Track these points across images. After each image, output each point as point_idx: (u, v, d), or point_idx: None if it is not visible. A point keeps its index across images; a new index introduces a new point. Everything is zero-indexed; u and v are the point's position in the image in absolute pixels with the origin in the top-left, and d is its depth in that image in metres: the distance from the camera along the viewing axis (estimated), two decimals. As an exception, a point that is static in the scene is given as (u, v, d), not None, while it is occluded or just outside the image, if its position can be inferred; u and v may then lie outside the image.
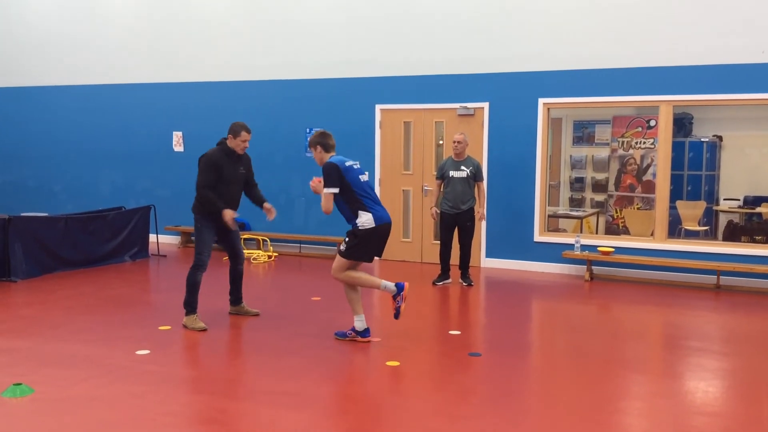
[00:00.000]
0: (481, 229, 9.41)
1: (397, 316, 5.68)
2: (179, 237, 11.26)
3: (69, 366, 5.04)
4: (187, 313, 6.18)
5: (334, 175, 5.51)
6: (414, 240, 9.94)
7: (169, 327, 6.17)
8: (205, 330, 6.05)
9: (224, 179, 6.11)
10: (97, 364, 5.10)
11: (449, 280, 8.41)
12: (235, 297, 6.64)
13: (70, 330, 6.05)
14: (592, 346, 5.84)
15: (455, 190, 8.13)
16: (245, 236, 10.41)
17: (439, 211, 8.34)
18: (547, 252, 9.23)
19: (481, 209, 8.29)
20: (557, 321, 7.03)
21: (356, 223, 5.54)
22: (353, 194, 5.53)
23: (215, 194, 6.05)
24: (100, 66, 11.83)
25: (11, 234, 8.10)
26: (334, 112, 10.28)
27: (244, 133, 6.17)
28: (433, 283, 8.34)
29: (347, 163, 5.64)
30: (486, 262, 9.55)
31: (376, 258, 5.92)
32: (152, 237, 10.09)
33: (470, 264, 8.43)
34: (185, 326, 6.14)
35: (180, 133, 11.38)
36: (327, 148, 5.76)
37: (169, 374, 4.90)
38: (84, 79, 12.00)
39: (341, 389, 4.65)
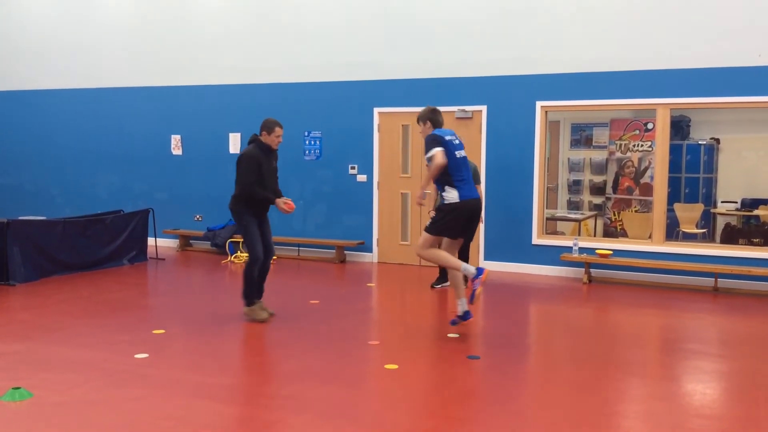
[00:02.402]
0: (479, 231, 9.42)
1: (471, 299, 5.71)
2: (177, 240, 11.25)
3: (67, 370, 5.04)
4: (248, 305, 6.53)
5: (434, 140, 5.73)
6: (412, 243, 9.94)
7: (163, 331, 6.17)
8: (265, 320, 6.46)
9: (263, 174, 6.39)
10: (96, 368, 5.09)
11: (447, 283, 8.41)
12: (258, 291, 6.74)
13: (68, 334, 6.05)
14: (590, 349, 5.84)
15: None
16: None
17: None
18: (545, 255, 9.24)
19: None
20: (555, 324, 7.04)
21: (443, 198, 5.77)
22: (445, 172, 5.69)
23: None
24: (98, 70, 11.83)
25: (9, 238, 8.09)
26: (332, 116, 10.29)
27: (277, 129, 6.44)
28: (432, 286, 8.34)
29: (447, 137, 5.81)
30: (484, 265, 9.54)
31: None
32: (150, 240, 10.09)
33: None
34: (246, 315, 6.52)
35: (178, 137, 11.38)
36: (435, 124, 6.02)
37: (168, 378, 4.90)
38: (82, 82, 12.00)
39: (340, 392, 4.65)
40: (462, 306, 6.08)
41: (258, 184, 6.35)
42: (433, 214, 8.24)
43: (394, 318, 7.06)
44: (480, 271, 5.67)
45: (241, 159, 6.39)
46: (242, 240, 10.13)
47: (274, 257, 8.91)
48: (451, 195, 5.71)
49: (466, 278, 6.07)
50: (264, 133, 6.44)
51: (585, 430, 4.09)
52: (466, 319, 6.11)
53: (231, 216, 6.69)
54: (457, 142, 5.87)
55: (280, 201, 6.35)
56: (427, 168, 5.83)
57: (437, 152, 5.64)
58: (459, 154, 5.80)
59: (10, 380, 4.75)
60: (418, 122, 6.21)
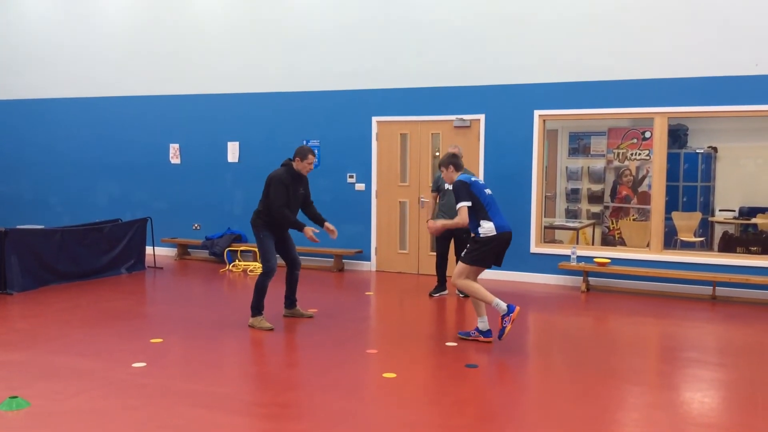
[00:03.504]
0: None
1: (501, 336, 5.88)
2: (176, 249, 11.25)
3: (65, 379, 5.03)
4: (254, 315, 6.63)
5: (464, 190, 6.02)
6: (411, 252, 9.95)
7: (161, 339, 6.16)
8: (271, 329, 6.49)
9: (288, 198, 6.58)
10: (93, 377, 5.08)
11: (446, 292, 8.41)
12: (290, 301, 7.08)
13: (66, 343, 6.04)
14: (588, 358, 5.84)
15: (451, 202, 8.08)
16: (242, 248, 10.42)
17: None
18: (544, 263, 9.24)
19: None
20: (553, 332, 7.03)
21: (479, 232, 6.00)
22: (480, 206, 6.00)
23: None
24: (97, 78, 11.85)
25: (7, 247, 8.09)
26: (330, 125, 10.31)
27: (310, 156, 6.62)
28: (430, 295, 8.34)
29: (473, 179, 6.19)
30: (482, 274, 9.50)
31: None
32: (149, 249, 10.08)
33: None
34: (252, 326, 6.58)
35: (177, 146, 11.39)
36: (458, 168, 6.32)
37: (165, 387, 4.89)
38: (81, 91, 12.02)
39: (337, 401, 4.64)
40: (484, 324, 6.19)
41: (287, 207, 6.54)
42: (431, 222, 8.29)
43: (393, 326, 7.05)
44: (511, 309, 5.85)
45: (272, 181, 6.56)
46: (239, 250, 10.17)
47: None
48: (488, 227, 5.96)
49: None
50: (297, 159, 6.62)
51: (583, 439, 4.08)
52: (486, 336, 6.18)
53: (252, 230, 6.80)
54: (482, 182, 6.22)
55: (308, 230, 6.51)
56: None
57: (463, 208, 5.97)
58: (487, 191, 6.12)
59: (7, 389, 4.74)
60: (439, 168, 6.47)
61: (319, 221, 6.88)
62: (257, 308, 6.65)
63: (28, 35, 12.38)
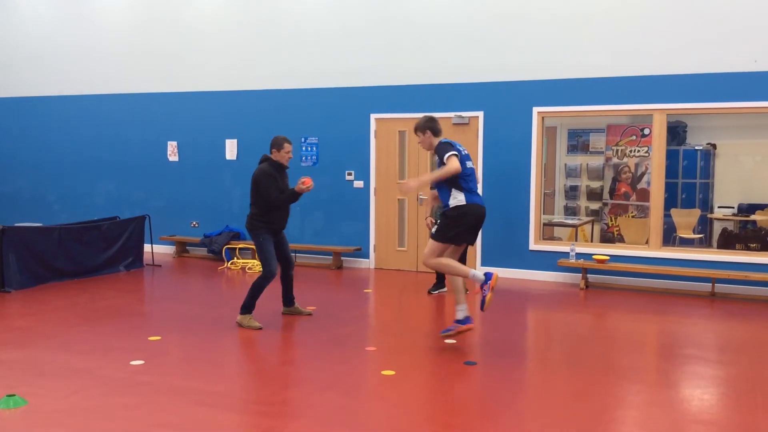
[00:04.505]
0: (477, 236, 9.40)
1: (482, 306, 5.61)
2: (174, 247, 11.23)
3: (63, 377, 5.02)
4: (243, 313, 6.56)
5: (448, 145, 5.63)
6: (409, 249, 9.94)
7: (159, 337, 6.14)
8: (260, 329, 6.41)
9: (279, 190, 6.53)
10: (91, 375, 5.07)
11: (445, 289, 8.40)
12: (288, 299, 7.04)
13: (64, 341, 6.03)
14: (587, 355, 5.83)
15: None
16: (241, 245, 10.41)
17: (434, 221, 8.33)
18: (542, 260, 9.24)
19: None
20: (552, 329, 7.03)
21: (448, 203, 5.63)
22: (456, 177, 5.58)
23: (268, 207, 6.50)
24: (95, 76, 11.83)
25: (5, 244, 8.07)
26: (329, 122, 10.29)
27: (286, 145, 6.58)
28: (429, 292, 8.33)
29: (458, 146, 5.74)
30: (481, 271, 9.52)
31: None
32: (147, 247, 10.06)
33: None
34: (240, 324, 6.52)
35: (175, 143, 11.37)
36: (436, 133, 5.85)
37: (164, 385, 4.88)
38: (79, 89, 11.99)
39: (336, 398, 4.64)
40: (463, 312, 5.85)
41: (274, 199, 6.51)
42: (430, 221, 8.28)
43: (391, 324, 7.04)
44: (489, 276, 5.59)
45: (259, 178, 6.50)
46: (238, 247, 10.15)
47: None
48: (459, 198, 5.61)
49: (465, 289, 6.03)
50: (274, 150, 6.58)
51: (582, 437, 4.07)
52: (465, 324, 5.82)
53: (248, 234, 6.75)
54: (465, 152, 5.79)
55: (300, 184, 6.37)
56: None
57: (453, 156, 5.53)
58: (468, 164, 5.71)
59: (5, 387, 4.73)
60: (416, 132, 5.97)
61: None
62: (248, 307, 6.59)
63: (25, 33, 12.34)
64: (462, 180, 5.61)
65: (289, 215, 6.78)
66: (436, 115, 9.45)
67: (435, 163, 5.99)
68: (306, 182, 6.39)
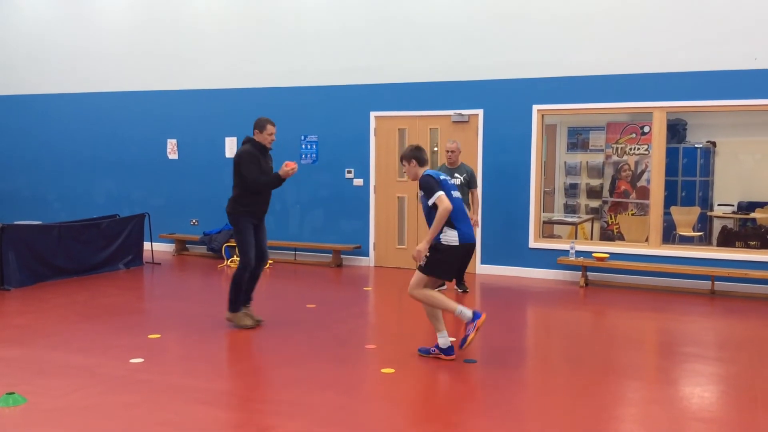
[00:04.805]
0: (477, 235, 9.40)
1: (462, 345, 5.37)
2: (173, 245, 11.23)
3: (62, 375, 5.01)
4: (232, 310, 6.37)
5: (432, 183, 5.38)
6: (409, 247, 9.93)
7: (158, 335, 6.14)
8: (251, 327, 6.31)
9: (262, 173, 6.28)
10: (91, 373, 5.07)
11: (444, 287, 8.37)
12: (245, 297, 6.53)
13: (63, 339, 6.02)
14: (587, 353, 5.83)
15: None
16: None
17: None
18: (542, 258, 9.23)
19: (475, 216, 8.28)
20: (552, 327, 7.03)
21: (440, 238, 5.36)
22: None
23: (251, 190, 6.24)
24: (95, 74, 11.81)
25: (4, 242, 8.06)
26: (328, 120, 10.28)
27: (269, 126, 6.34)
28: (429, 290, 8.32)
29: (441, 177, 5.50)
30: (481, 269, 9.54)
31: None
32: (146, 245, 10.06)
33: (465, 270, 8.39)
34: (229, 320, 6.39)
35: (174, 141, 11.36)
36: (421, 162, 5.63)
37: (163, 383, 4.87)
38: (78, 87, 11.98)
39: (336, 397, 4.63)
40: (444, 340, 5.48)
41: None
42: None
43: (391, 322, 7.04)
44: (477, 316, 5.34)
45: (241, 158, 6.24)
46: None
47: (270, 261, 8.88)
48: (451, 235, 5.34)
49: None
50: (256, 131, 6.37)
51: (582, 434, 4.07)
52: (448, 355, 5.47)
53: (228, 220, 6.54)
54: (451, 182, 5.59)
55: (284, 168, 6.15)
56: (426, 210, 5.47)
57: (442, 196, 5.28)
58: (455, 194, 5.48)
59: (5, 385, 4.72)
60: (401, 162, 5.79)
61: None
62: (235, 303, 6.37)
63: (24, 31, 12.33)
64: (452, 215, 5.33)
65: (270, 203, 6.53)
66: (435, 112, 9.62)
67: (418, 195, 5.66)
68: (290, 164, 6.15)
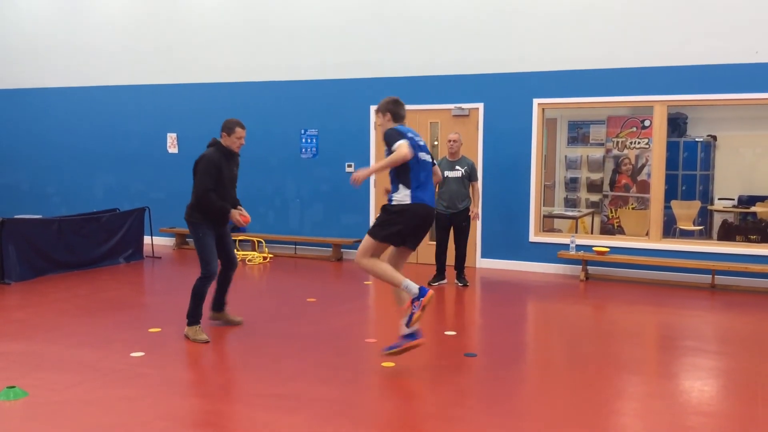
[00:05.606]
0: (477, 229, 9.41)
1: (408, 323, 4.80)
2: (174, 239, 11.23)
3: (63, 369, 5.02)
4: (190, 324, 5.84)
5: (395, 134, 4.89)
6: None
7: (159, 329, 6.14)
8: (207, 342, 5.71)
9: (222, 181, 5.77)
10: (92, 367, 5.07)
11: (445, 281, 8.40)
12: (219, 303, 6.24)
13: (64, 333, 6.02)
14: (587, 347, 5.84)
15: (450, 190, 8.13)
16: (240, 237, 10.39)
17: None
18: (543, 252, 9.23)
19: (475, 209, 8.28)
20: (553, 321, 7.03)
21: (391, 198, 4.96)
22: (406, 167, 4.88)
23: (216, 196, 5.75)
24: (94, 68, 11.79)
25: (4, 236, 8.06)
26: (329, 114, 10.27)
27: (238, 130, 5.81)
28: (429, 284, 8.31)
29: (409, 134, 4.98)
30: (481, 263, 9.54)
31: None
32: (147, 239, 10.05)
33: (465, 264, 8.43)
34: (187, 337, 5.82)
35: (174, 135, 11.35)
36: (396, 118, 5.11)
37: (164, 377, 4.88)
38: (78, 81, 11.96)
39: (336, 391, 4.63)
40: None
41: (215, 192, 5.70)
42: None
43: (391, 316, 7.03)
44: (423, 291, 4.72)
45: (199, 163, 5.73)
46: (238, 239, 10.14)
47: (266, 255, 8.87)
48: (402, 195, 4.90)
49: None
50: (224, 134, 5.81)
51: (583, 428, 4.07)
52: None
53: (187, 227, 5.95)
54: (422, 143, 5.09)
55: (235, 212, 5.77)
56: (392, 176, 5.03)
57: (403, 143, 4.81)
58: (422, 156, 4.98)
59: (5, 379, 4.73)
60: (376, 113, 5.28)
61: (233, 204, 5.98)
62: (194, 316, 5.82)
63: (23, 24, 12.30)
64: (412, 173, 4.89)
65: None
66: (435, 106, 9.60)
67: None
68: (245, 218, 5.79)
